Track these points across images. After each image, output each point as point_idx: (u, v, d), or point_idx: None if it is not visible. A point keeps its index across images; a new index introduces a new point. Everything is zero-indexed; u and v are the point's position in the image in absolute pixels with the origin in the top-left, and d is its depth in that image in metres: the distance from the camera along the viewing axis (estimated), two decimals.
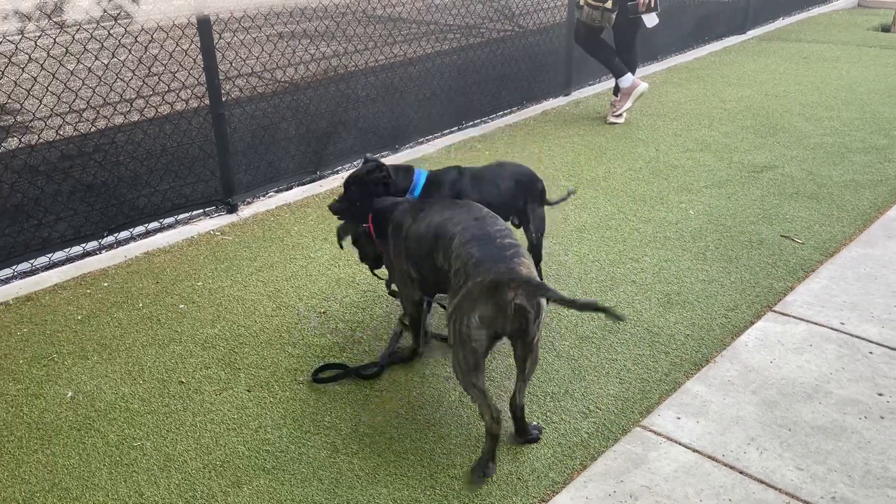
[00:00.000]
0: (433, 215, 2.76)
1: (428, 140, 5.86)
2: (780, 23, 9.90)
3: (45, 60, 4.24)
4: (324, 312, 3.58)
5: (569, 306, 2.36)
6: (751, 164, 5.20)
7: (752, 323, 3.39)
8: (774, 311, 3.46)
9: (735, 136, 5.78)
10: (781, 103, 6.54)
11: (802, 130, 5.85)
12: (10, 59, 4.09)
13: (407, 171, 3.32)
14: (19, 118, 4.84)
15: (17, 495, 2.55)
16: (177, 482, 2.59)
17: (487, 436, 2.54)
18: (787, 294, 3.60)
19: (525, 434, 2.70)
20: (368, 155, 3.40)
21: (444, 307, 3.39)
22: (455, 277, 2.48)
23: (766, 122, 6.07)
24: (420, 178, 3.28)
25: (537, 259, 3.48)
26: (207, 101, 4.55)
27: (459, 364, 2.49)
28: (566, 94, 6.99)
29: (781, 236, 4.18)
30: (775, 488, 2.48)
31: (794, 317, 3.41)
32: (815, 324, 3.35)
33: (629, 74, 6.04)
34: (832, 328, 3.31)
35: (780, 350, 3.18)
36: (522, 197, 3.38)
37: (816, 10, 10.67)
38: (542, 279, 3.23)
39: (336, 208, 3.27)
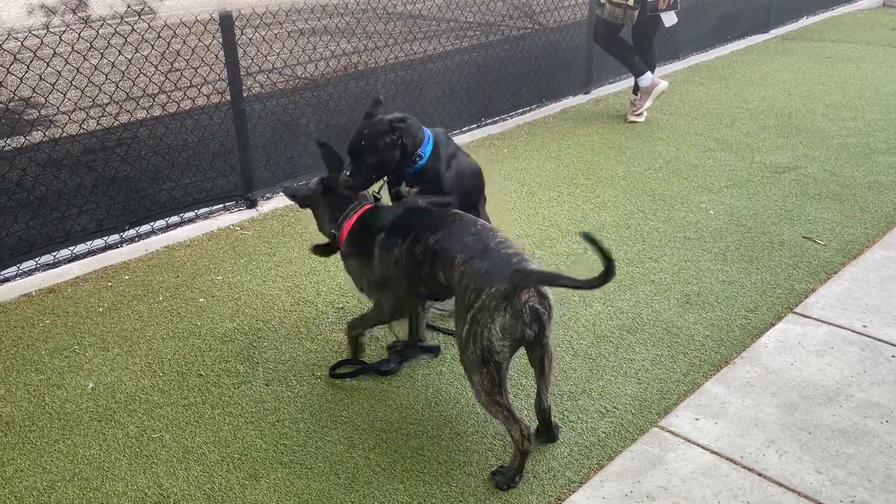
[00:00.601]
0: (426, 234, 2.66)
1: None
2: (804, 22, 9.80)
3: (69, 55, 4.28)
4: (342, 308, 3.59)
5: (582, 287, 2.30)
6: (772, 165, 5.15)
7: (773, 324, 3.36)
8: (795, 313, 3.43)
9: (757, 135, 5.72)
10: (804, 103, 6.47)
11: (825, 131, 5.78)
12: (35, 54, 4.13)
13: (418, 126, 2.94)
14: (43, 112, 4.89)
15: (38, 484, 2.59)
16: (195, 474, 2.61)
17: (517, 452, 2.48)
18: (808, 296, 3.56)
19: (547, 433, 2.69)
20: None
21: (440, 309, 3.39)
22: (464, 293, 2.46)
23: (789, 122, 6.01)
24: (429, 137, 3.01)
25: None
26: (228, 97, 4.57)
27: (483, 384, 2.42)
28: (586, 93, 6.95)
29: (803, 237, 4.13)
30: (794, 491, 2.46)
31: (815, 319, 3.38)
32: (837, 326, 3.32)
33: (649, 73, 6.00)
34: (854, 331, 3.28)
35: (800, 352, 3.15)
36: (477, 183, 3.11)
37: (840, 10, 10.53)
38: None
39: (351, 185, 2.87)
